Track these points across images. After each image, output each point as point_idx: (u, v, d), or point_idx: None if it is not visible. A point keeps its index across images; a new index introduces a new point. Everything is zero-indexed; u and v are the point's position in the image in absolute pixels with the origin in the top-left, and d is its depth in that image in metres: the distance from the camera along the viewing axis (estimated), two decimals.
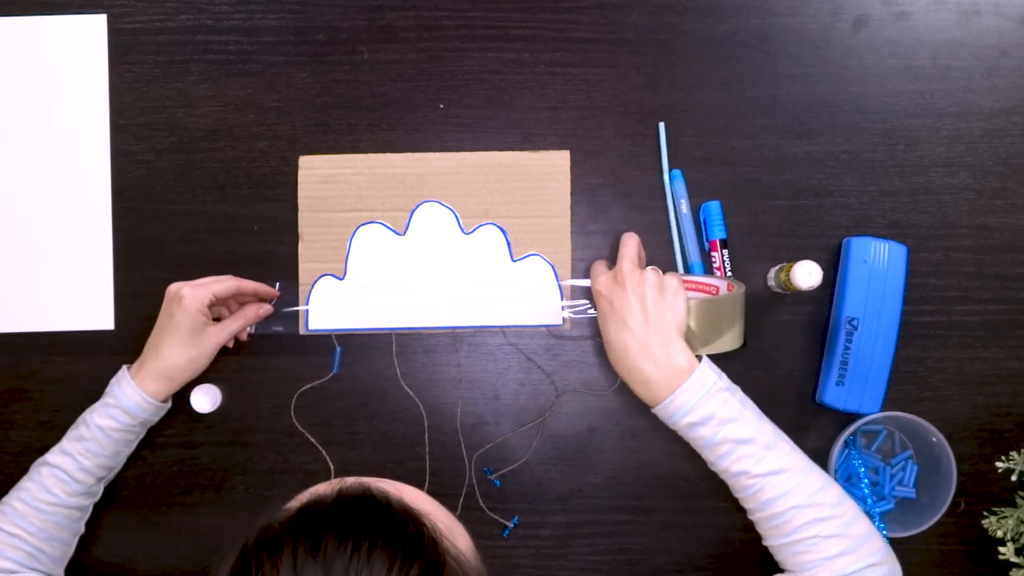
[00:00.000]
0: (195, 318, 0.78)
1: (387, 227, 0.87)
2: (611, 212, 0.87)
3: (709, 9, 0.87)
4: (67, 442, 0.79)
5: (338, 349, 0.86)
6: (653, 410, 0.76)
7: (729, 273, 0.85)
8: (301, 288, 0.86)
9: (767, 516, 0.72)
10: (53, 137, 0.87)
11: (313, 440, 0.86)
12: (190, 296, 0.78)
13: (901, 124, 0.87)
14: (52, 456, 0.79)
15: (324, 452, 0.86)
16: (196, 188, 0.87)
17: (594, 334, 0.87)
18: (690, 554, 0.86)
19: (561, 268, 0.87)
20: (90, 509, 0.82)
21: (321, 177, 0.86)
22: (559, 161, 0.87)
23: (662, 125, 0.86)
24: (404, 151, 0.87)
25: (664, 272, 0.78)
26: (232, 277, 0.82)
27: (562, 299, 0.87)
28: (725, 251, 0.85)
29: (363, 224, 0.86)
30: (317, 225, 0.86)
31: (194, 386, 0.83)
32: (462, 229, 0.87)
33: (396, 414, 0.87)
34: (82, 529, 0.82)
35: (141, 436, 0.83)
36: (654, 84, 0.87)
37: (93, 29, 0.87)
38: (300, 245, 0.86)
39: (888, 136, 0.87)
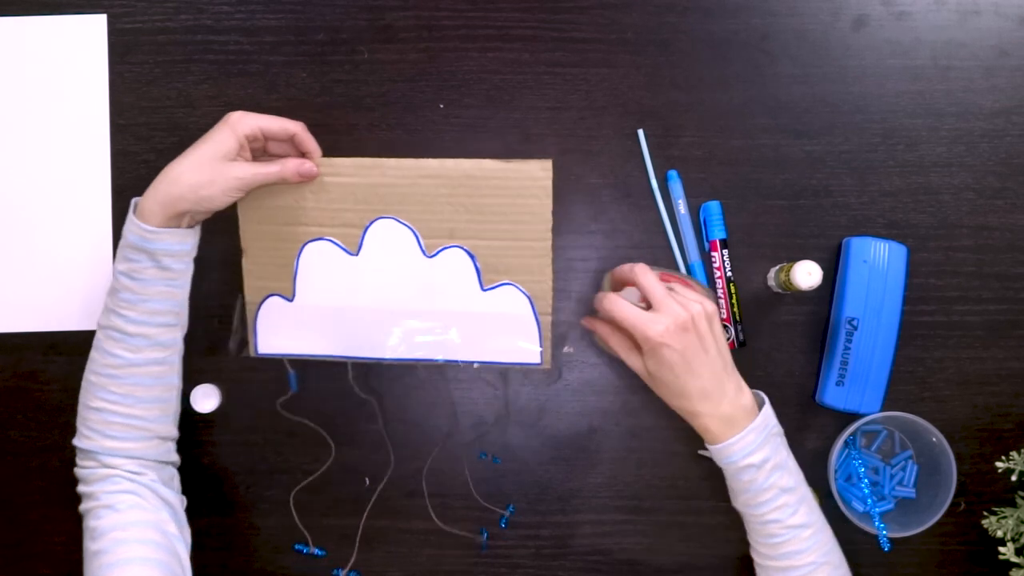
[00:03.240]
0: (228, 141, 0.72)
1: (338, 245, 0.78)
2: (611, 212, 0.87)
3: (709, 9, 0.87)
4: (107, 298, 0.74)
5: (292, 373, 0.84)
6: (714, 447, 0.73)
7: (729, 273, 0.85)
8: (248, 307, 0.80)
9: (783, 567, 0.73)
10: (53, 137, 0.87)
11: (313, 440, 0.86)
12: (237, 117, 0.73)
13: (901, 124, 0.87)
14: (101, 318, 0.74)
15: (324, 452, 0.86)
16: None
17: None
18: (690, 554, 0.86)
19: (540, 300, 0.77)
20: (176, 362, 0.76)
21: None
22: (539, 173, 0.75)
23: (641, 132, 0.86)
24: (404, 151, 0.86)
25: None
26: (296, 122, 0.76)
27: (540, 334, 0.78)
28: (725, 251, 0.85)
29: (311, 240, 0.78)
30: (261, 239, 0.78)
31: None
32: (423, 251, 0.77)
33: (396, 414, 0.87)
34: (176, 383, 0.77)
35: (186, 272, 0.75)
36: (654, 84, 0.87)
37: (93, 29, 0.87)
38: (244, 259, 0.79)
39: (888, 136, 0.87)
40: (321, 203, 0.77)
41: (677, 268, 0.86)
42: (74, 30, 0.87)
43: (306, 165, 0.75)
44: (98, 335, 0.74)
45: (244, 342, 0.82)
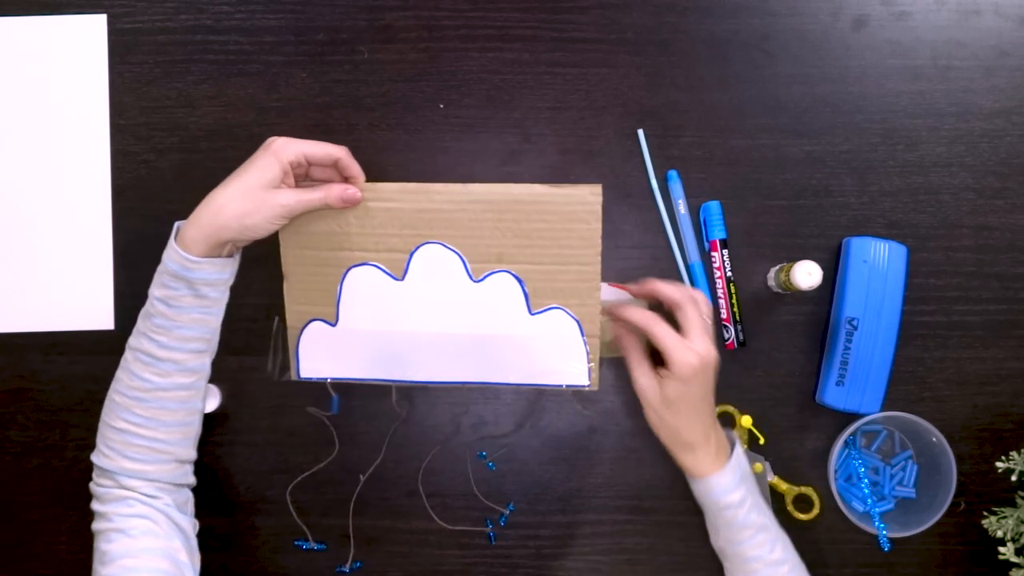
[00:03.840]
0: (272, 168, 0.70)
1: (382, 270, 0.77)
2: (611, 212, 0.87)
3: (709, 9, 0.87)
4: (140, 320, 0.73)
5: (335, 397, 0.84)
6: (703, 481, 0.75)
7: (729, 273, 0.85)
8: (289, 332, 0.79)
9: None
10: (53, 137, 0.87)
11: (313, 439, 0.86)
12: (280, 144, 0.71)
13: (901, 124, 0.87)
14: (132, 338, 0.73)
15: (324, 452, 0.86)
16: (196, 188, 0.86)
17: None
18: (690, 554, 0.86)
19: (588, 323, 0.76)
20: (202, 387, 0.75)
21: None
22: (589, 198, 0.74)
23: (641, 132, 0.86)
24: (404, 151, 0.87)
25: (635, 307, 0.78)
26: (339, 146, 0.74)
27: (587, 357, 0.78)
28: (725, 251, 0.85)
29: (355, 266, 0.77)
30: (303, 263, 0.77)
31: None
32: (470, 276, 0.76)
33: (397, 414, 0.86)
34: (200, 407, 0.75)
35: (222, 299, 0.74)
36: (654, 84, 0.87)
37: (93, 29, 0.87)
38: (285, 285, 0.78)
39: (888, 136, 0.87)
40: (366, 228, 0.76)
41: (677, 269, 0.86)
42: (74, 30, 0.87)
43: (350, 191, 0.74)
44: (127, 355, 0.73)
45: (285, 366, 0.81)
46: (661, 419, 0.74)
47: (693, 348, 0.71)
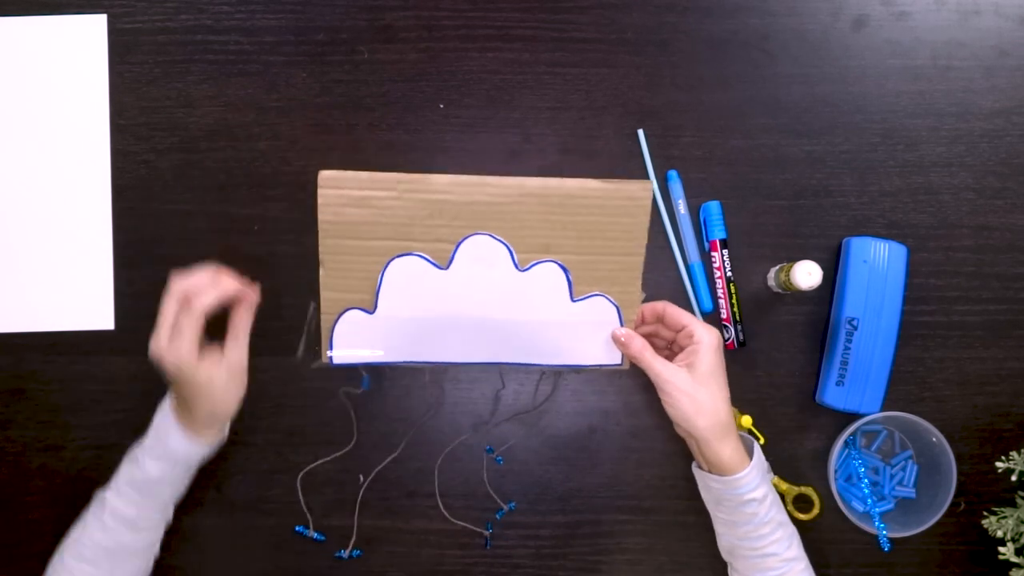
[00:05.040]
0: (199, 372, 0.71)
1: (427, 260, 0.77)
2: None
3: (709, 9, 0.87)
4: (125, 485, 0.76)
5: (366, 376, 0.85)
6: (732, 477, 0.74)
7: (729, 273, 0.85)
8: (324, 318, 0.79)
9: None
10: (53, 137, 0.87)
11: (313, 439, 0.86)
12: (167, 355, 0.70)
13: (901, 124, 0.87)
14: (113, 498, 0.76)
15: (323, 451, 0.86)
16: (196, 188, 0.87)
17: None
18: (690, 554, 0.86)
19: (628, 309, 0.79)
20: (162, 533, 0.80)
21: (347, 199, 0.76)
22: (639, 194, 0.76)
23: (641, 132, 0.86)
24: (404, 151, 0.87)
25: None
26: (202, 291, 0.71)
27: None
28: (725, 251, 0.85)
29: (399, 256, 0.77)
30: (341, 252, 0.77)
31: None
32: (516, 266, 0.77)
33: (395, 415, 0.87)
34: (157, 551, 0.80)
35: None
36: (654, 84, 0.87)
37: (93, 29, 0.87)
38: (321, 271, 0.78)
39: (888, 136, 0.87)
40: (415, 220, 0.76)
41: (677, 269, 0.86)
42: (74, 30, 0.87)
43: (249, 297, 0.75)
44: (104, 515, 0.76)
45: (317, 353, 0.81)
46: (697, 402, 0.73)
47: (706, 324, 0.76)
